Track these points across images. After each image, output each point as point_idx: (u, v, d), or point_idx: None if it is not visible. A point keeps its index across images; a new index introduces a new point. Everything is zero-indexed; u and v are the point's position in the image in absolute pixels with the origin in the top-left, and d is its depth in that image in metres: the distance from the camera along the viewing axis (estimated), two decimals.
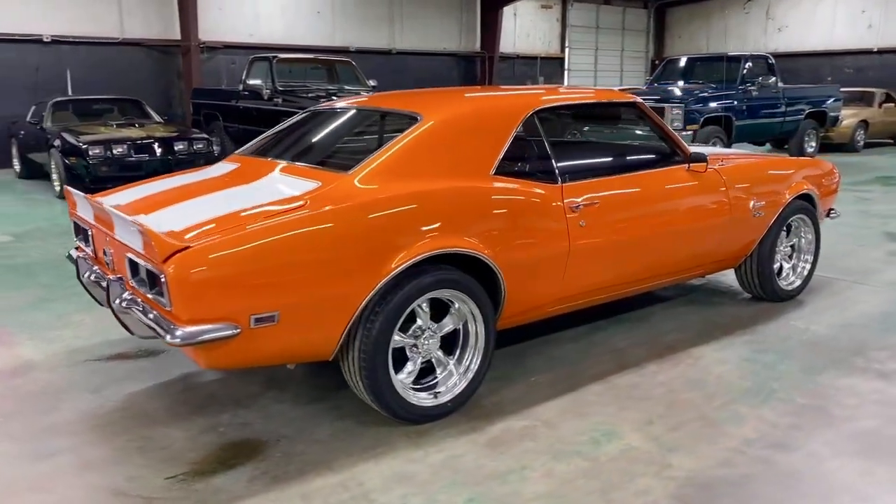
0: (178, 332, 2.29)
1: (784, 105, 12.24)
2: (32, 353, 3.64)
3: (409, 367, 2.88)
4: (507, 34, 19.86)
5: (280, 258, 2.45)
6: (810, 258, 4.59)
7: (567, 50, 21.77)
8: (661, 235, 3.62)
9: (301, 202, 2.65)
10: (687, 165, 3.73)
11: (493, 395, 3.15)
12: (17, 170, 11.37)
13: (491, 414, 2.97)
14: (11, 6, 12.57)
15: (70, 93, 12.92)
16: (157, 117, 11.07)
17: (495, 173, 3.05)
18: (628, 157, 4.10)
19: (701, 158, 3.76)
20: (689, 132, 10.50)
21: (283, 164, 3.16)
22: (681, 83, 12.52)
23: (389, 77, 16.85)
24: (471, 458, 2.62)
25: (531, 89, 3.58)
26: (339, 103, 3.78)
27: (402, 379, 2.84)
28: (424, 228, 2.73)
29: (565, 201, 3.20)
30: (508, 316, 3.16)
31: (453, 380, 2.96)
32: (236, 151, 3.76)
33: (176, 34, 14.29)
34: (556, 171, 3.27)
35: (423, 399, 2.88)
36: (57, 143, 9.02)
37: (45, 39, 12.94)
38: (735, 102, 11.27)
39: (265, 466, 2.57)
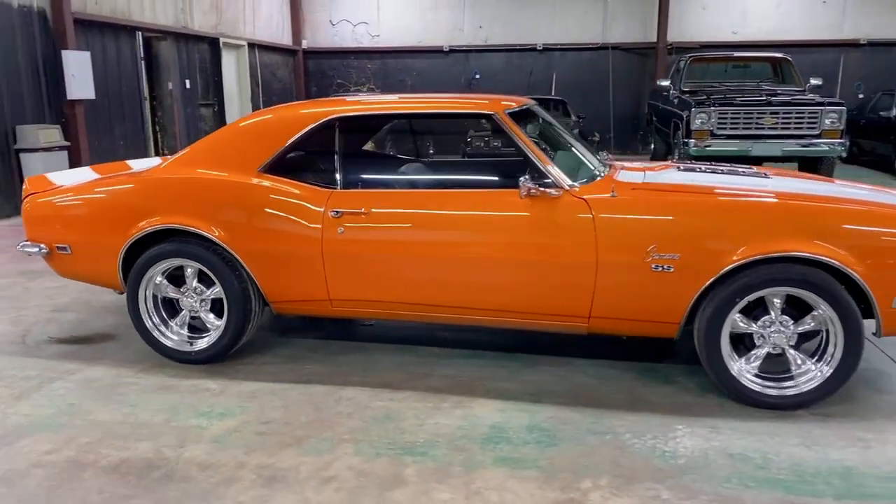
0: (20, 245, 3.78)
1: None
2: None
3: (180, 316, 3.67)
4: None
5: (74, 210, 3.65)
6: (831, 363, 3.01)
7: None
8: (456, 262, 3.23)
9: (128, 176, 3.76)
10: (526, 189, 3.14)
11: (263, 363, 3.63)
12: None
13: (213, 372, 3.52)
14: (516, 24, 15.39)
15: (552, 93, 15.18)
16: (573, 116, 12.26)
17: (264, 172, 3.46)
18: (447, 174, 3.55)
19: (548, 185, 3.13)
20: None
21: None
22: None
23: None
24: (125, 380, 3.35)
25: (350, 100, 3.57)
26: None
27: (177, 328, 3.66)
28: (166, 206, 3.48)
29: (327, 207, 3.34)
30: (280, 302, 3.55)
31: (209, 337, 3.61)
32: None
33: (654, 37, 14.92)
34: (337, 178, 3.41)
35: (182, 346, 3.63)
36: (470, 133, 11.25)
37: (538, 48, 15.40)
38: None
39: (70, 349, 3.86)
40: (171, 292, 3.64)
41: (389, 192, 3.36)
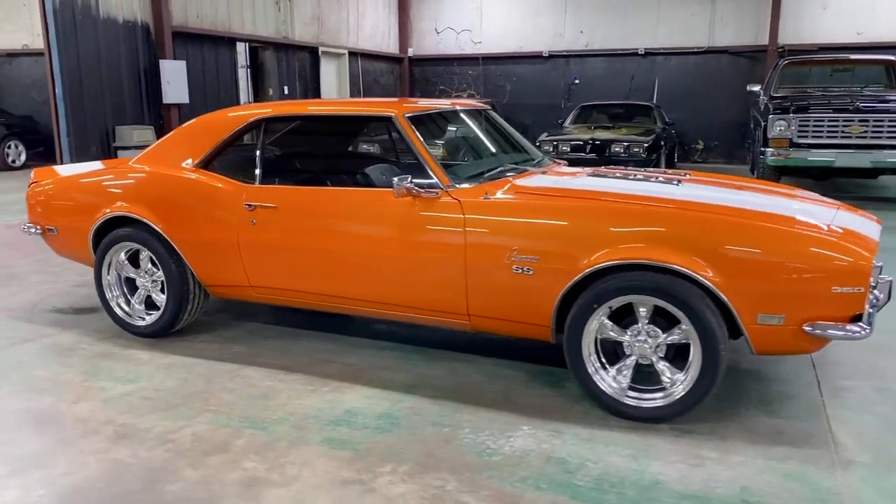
0: (23, 226, 4.42)
1: None
2: None
3: (138, 293, 4.14)
4: None
5: (58, 197, 4.23)
6: (687, 380, 2.90)
7: None
8: (347, 256, 3.42)
9: (100, 170, 4.30)
10: (402, 189, 3.26)
11: (200, 341, 4.02)
12: None
13: (153, 345, 3.95)
14: (618, 28, 15.06)
15: (654, 99, 14.75)
16: (659, 122, 11.89)
17: (199, 167, 3.84)
18: (350, 173, 3.67)
19: (429, 185, 3.26)
20: None
21: None
22: None
23: None
24: (80, 346, 3.85)
25: (277, 104, 3.82)
26: None
27: (135, 304, 4.13)
28: (121, 196, 3.95)
29: (243, 200, 3.66)
30: (212, 286, 3.92)
31: (154, 315, 4.04)
32: None
33: (766, 40, 14.07)
34: (256, 173, 3.72)
35: (134, 320, 4.10)
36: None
37: (639, 52, 14.99)
38: None
39: (59, 317, 4.45)
40: (131, 272, 4.12)
41: (293, 189, 3.62)
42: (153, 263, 4.02)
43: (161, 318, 3.99)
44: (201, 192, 3.77)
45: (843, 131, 8.71)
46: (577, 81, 15.61)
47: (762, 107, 9.97)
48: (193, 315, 4.07)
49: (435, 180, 3.30)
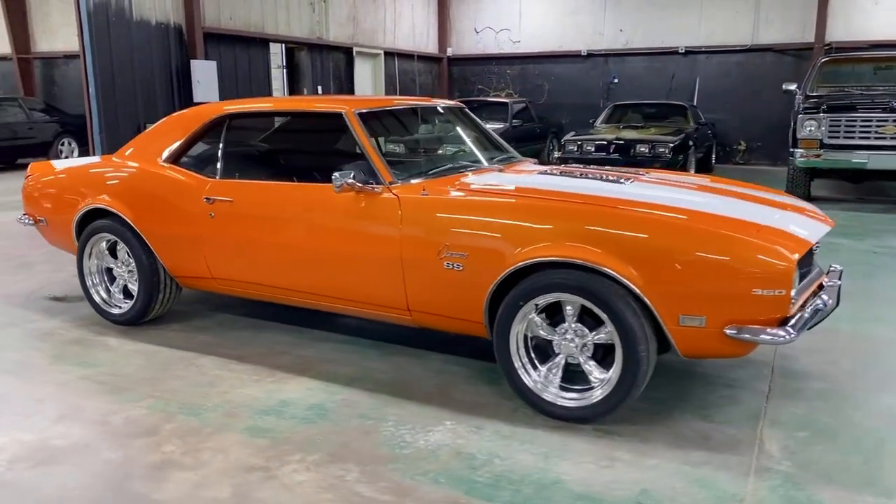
0: (19, 217, 4.66)
1: None
2: None
3: (116, 283, 4.31)
4: None
5: (46, 190, 4.45)
6: (609, 381, 2.86)
7: None
8: (296, 250, 3.50)
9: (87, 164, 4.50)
10: (341, 185, 3.30)
11: (172, 330, 4.17)
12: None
13: (125, 333, 4.10)
14: (658, 27, 14.77)
15: (695, 99, 14.40)
16: (692, 122, 11.62)
17: (167, 162, 3.98)
18: (308, 168, 3.72)
19: (371, 181, 3.30)
20: None
21: None
22: None
23: None
24: (58, 332, 4.04)
25: (241, 101, 3.92)
26: None
27: (114, 293, 4.31)
28: (99, 188, 4.13)
29: (204, 195, 3.78)
30: (179, 277, 4.05)
31: (127, 304, 4.20)
32: None
33: (812, 37, 13.56)
34: (218, 169, 3.84)
35: (110, 308, 4.27)
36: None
37: (680, 51, 14.65)
38: None
39: (51, 305, 4.67)
40: (110, 262, 4.29)
41: (247, 183, 3.72)
42: (128, 254, 4.18)
43: (133, 307, 4.15)
44: (167, 186, 3.91)
45: (876, 132, 8.34)
46: (615, 81, 15.37)
47: (797, 106, 9.63)
48: (166, 305, 4.21)
49: (377, 175, 3.34)
